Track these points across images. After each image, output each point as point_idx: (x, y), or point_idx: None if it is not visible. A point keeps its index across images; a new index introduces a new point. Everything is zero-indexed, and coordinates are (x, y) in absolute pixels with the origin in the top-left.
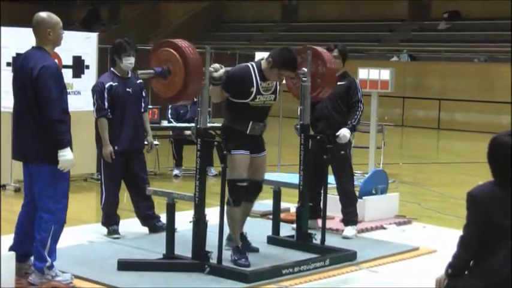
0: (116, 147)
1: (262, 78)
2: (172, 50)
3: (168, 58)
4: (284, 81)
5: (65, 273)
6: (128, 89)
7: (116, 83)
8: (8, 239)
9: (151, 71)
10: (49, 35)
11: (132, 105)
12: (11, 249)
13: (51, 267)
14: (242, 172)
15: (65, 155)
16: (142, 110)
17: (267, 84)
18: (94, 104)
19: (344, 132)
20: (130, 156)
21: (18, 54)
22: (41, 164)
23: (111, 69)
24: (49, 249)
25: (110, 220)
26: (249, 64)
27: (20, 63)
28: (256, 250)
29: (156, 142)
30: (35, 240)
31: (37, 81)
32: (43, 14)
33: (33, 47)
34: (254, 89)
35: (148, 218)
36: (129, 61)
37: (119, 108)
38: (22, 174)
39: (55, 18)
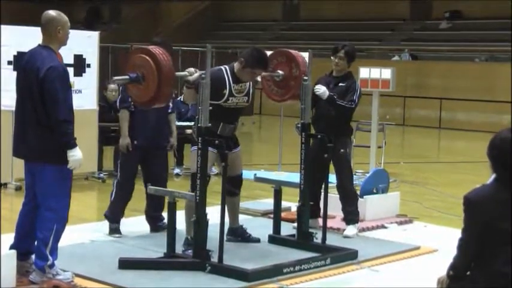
0: (136, 142)
1: (235, 80)
2: (146, 56)
3: (142, 64)
4: (259, 80)
5: (66, 272)
6: None
7: None
8: (9, 238)
9: (127, 76)
10: (58, 33)
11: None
12: (11, 247)
13: (52, 265)
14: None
15: (75, 155)
16: (170, 111)
17: (240, 87)
18: (119, 95)
19: (324, 89)
20: (151, 152)
21: (19, 53)
22: (45, 164)
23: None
24: (50, 248)
25: (113, 217)
26: (222, 67)
27: (25, 62)
28: (257, 240)
29: None
30: (36, 239)
31: (44, 82)
32: (53, 12)
33: (39, 45)
34: (227, 91)
35: (154, 218)
36: None
37: (140, 109)
38: (23, 173)
39: (65, 17)
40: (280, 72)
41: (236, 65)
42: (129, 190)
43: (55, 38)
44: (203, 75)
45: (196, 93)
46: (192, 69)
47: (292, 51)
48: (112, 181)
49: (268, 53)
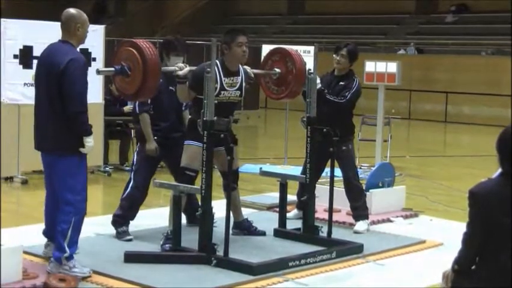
0: (155, 138)
1: (226, 74)
2: (132, 49)
3: (128, 57)
4: (252, 76)
5: (85, 268)
6: (171, 87)
7: (160, 80)
8: (16, 232)
9: (112, 68)
10: (77, 31)
11: (173, 103)
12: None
13: (69, 258)
14: (192, 162)
15: (91, 142)
16: (183, 108)
17: (231, 80)
18: None
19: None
20: (169, 148)
21: (25, 47)
22: (61, 156)
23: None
24: (70, 241)
25: (122, 219)
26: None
27: (45, 56)
28: (263, 233)
29: None
30: (55, 231)
31: (64, 74)
32: (73, 10)
33: (59, 40)
34: (218, 85)
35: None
36: (176, 61)
37: (159, 105)
38: (29, 166)
39: (84, 15)
40: (277, 70)
41: (224, 56)
42: (145, 193)
43: (74, 35)
44: (208, 69)
45: (189, 89)
46: (181, 64)
47: (288, 49)
48: (129, 177)
49: (265, 51)
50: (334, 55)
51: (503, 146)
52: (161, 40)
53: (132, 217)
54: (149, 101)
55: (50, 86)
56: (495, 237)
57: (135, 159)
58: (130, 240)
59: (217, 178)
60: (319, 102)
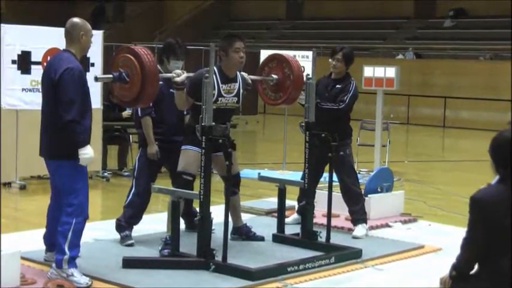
0: (156, 142)
1: (224, 80)
2: (130, 56)
3: (126, 63)
4: (250, 82)
5: (84, 276)
6: (172, 90)
7: (161, 82)
8: (13, 237)
9: (110, 75)
10: (81, 38)
11: (174, 105)
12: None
13: (70, 262)
14: (189, 167)
15: (85, 154)
16: (185, 113)
17: (229, 87)
18: None
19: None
20: (170, 153)
21: (23, 52)
22: (61, 161)
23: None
24: (71, 243)
25: (125, 224)
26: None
27: (48, 66)
28: (261, 239)
29: None
30: (57, 233)
31: (58, 83)
32: (78, 19)
33: (63, 50)
34: (216, 92)
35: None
36: (176, 64)
37: (161, 108)
38: (27, 171)
39: (88, 25)
40: (274, 76)
41: (222, 62)
42: (147, 198)
43: (77, 43)
44: (206, 75)
45: (187, 96)
46: (179, 71)
47: (285, 55)
48: (131, 183)
49: (264, 57)
50: (330, 59)
51: (496, 153)
52: (160, 45)
53: (136, 223)
54: (151, 104)
55: (49, 95)
56: (497, 241)
57: (136, 165)
58: (131, 245)
59: (216, 183)
60: (316, 111)
